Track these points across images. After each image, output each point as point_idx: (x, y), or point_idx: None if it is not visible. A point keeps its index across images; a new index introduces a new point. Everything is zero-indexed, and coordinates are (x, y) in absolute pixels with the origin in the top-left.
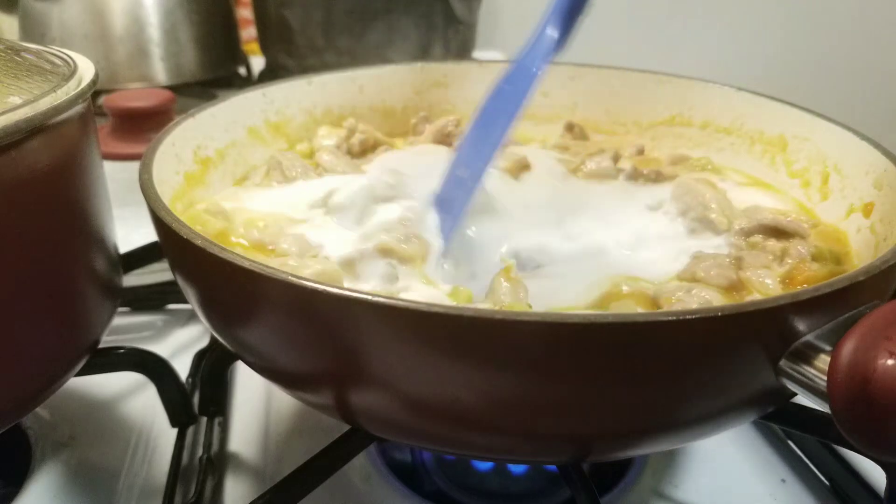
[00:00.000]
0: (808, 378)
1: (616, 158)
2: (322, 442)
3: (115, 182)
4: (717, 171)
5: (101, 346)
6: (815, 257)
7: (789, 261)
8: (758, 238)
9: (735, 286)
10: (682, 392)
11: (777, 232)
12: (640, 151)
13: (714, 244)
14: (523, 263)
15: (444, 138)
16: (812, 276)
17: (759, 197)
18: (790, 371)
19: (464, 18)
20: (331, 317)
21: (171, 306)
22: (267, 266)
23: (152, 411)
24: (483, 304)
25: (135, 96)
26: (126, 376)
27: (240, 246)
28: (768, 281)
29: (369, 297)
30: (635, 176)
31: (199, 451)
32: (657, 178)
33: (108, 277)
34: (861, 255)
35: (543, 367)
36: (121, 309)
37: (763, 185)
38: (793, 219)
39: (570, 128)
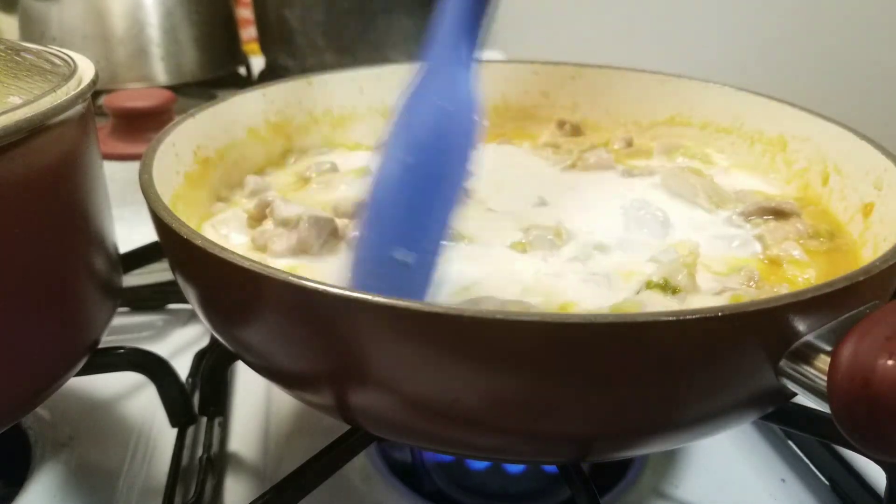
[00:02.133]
0: (808, 378)
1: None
2: (322, 442)
3: (115, 182)
4: (706, 159)
5: (101, 346)
6: (813, 235)
7: (790, 236)
8: (759, 220)
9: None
10: (682, 392)
11: (776, 212)
12: (629, 143)
13: (725, 229)
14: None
15: None
16: (814, 252)
17: (748, 181)
18: (790, 371)
19: None
20: (331, 317)
21: (171, 306)
22: (267, 266)
23: (152, 411)
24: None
25: (135, 96)
26: (126, 376)
27: None
28: (796, 253)
29: (369, 298)
30: (630, 169)
31: (199, 451)
32: (651, 171)
33: (108, 277)
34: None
35: (543, 367)
36: (121, 309)
37: (749, 168)
38: (786, 200)
39: (561, 125)
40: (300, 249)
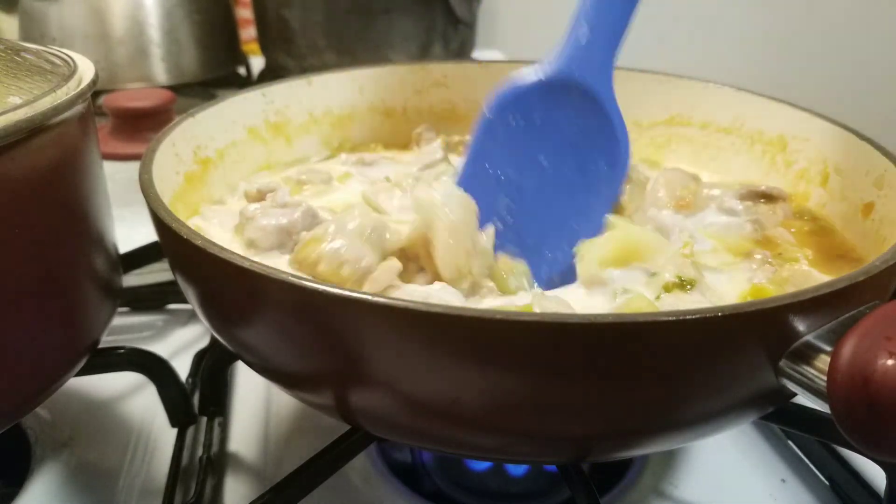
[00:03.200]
0: (808, 378)
1: None
2: (322, 442)
3: (115, 182)
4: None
5: (101, 346)
6: (797, 215)
7: (780, 218)
8: (749, 203)
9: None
10: (681, 392)
11: (765, 196)
12: None
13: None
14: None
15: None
16: (799, 229)
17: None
18: (790, 371)
19: (464, 18)
20: (331, 317)
21: (171, 306)
22: (267, 266)
23: (152, 411)
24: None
25: (135, 96)
26: (126, 376)
27: None
28: (787, 235)
29: (369, 298)
30: None
31: (199, 451)
32: None
33: (108, 277)
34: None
35: (543, 367)
36: (121, 309)
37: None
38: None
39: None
40: (285, 232)
